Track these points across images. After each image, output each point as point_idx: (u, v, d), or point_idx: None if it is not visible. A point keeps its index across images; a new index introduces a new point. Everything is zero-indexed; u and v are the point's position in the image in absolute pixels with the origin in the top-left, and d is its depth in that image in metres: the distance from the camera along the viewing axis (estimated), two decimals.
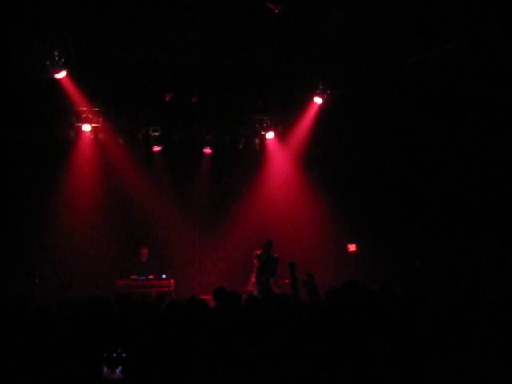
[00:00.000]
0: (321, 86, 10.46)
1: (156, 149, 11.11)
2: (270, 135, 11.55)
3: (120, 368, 3.32)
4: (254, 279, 9.35)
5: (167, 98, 10.19)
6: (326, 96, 10.52)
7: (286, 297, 4.83)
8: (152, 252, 10.46)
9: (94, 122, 10.54)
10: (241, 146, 11.69)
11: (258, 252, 9.43)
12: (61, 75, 9.18)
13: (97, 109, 10.43)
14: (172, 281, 9.94)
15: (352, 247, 11.33)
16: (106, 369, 3.34)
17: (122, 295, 6.26)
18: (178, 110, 10.30)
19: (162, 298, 4.95)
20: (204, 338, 3.64)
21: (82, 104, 10.14)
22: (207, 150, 11.55)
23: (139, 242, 10.53)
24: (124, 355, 3.34)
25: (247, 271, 9.92)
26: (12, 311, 4.24)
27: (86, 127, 10.51)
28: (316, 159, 11.24)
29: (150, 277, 10.05)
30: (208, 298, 5.06)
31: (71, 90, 9.62)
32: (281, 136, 11.60)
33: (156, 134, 10.92)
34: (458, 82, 8.74)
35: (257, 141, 11.77)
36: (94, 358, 3.41)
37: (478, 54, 8.26)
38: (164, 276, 10.07)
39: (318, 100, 10.64)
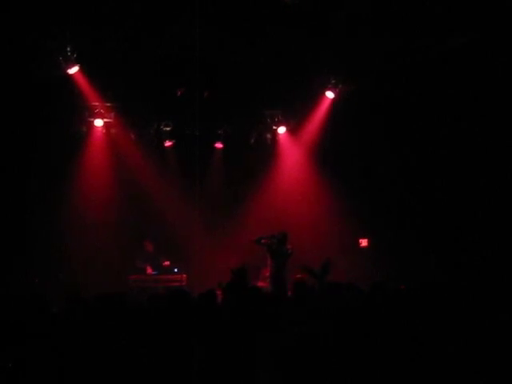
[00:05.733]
0: (333, 81, 10.41)
1: (168, 144, 11.15)
2: (281, 130, 11.52)
3: None
4: (267, 273, 9.27)
5: (179, 93, 10.19)
6: (337, 90, 10.48)
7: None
8: (159, 246, 10.54)
9: (106, 117, 10.59)
10: (252, 141, 11.67)
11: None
12: (73, 70, 9.22)
13: (109, 104, 10.48)
14: (184, 275, 9.97)
15: (364, 242, 11.28)
16: None
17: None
18: (190, 104, 10.27)
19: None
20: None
21: (94, 99, 10.18)
22: (219, 145, 11.56)
23: (143, 236, 10.61)
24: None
25: (259, 266, 9.88)
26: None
27: (98, 122, 10.57)
28: (327, 154, 11.18)
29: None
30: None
31: (83, 85, 9.66)
32: (292, 131, 11.56)
33: (168, 128, 10.97)
34: (473, 78, 8.61)
35: (268, 135, 11.75)
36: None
37: (494, 49, 8.14)
38: (176, 270, 10.10)
39: (329, 94, 10.59)
